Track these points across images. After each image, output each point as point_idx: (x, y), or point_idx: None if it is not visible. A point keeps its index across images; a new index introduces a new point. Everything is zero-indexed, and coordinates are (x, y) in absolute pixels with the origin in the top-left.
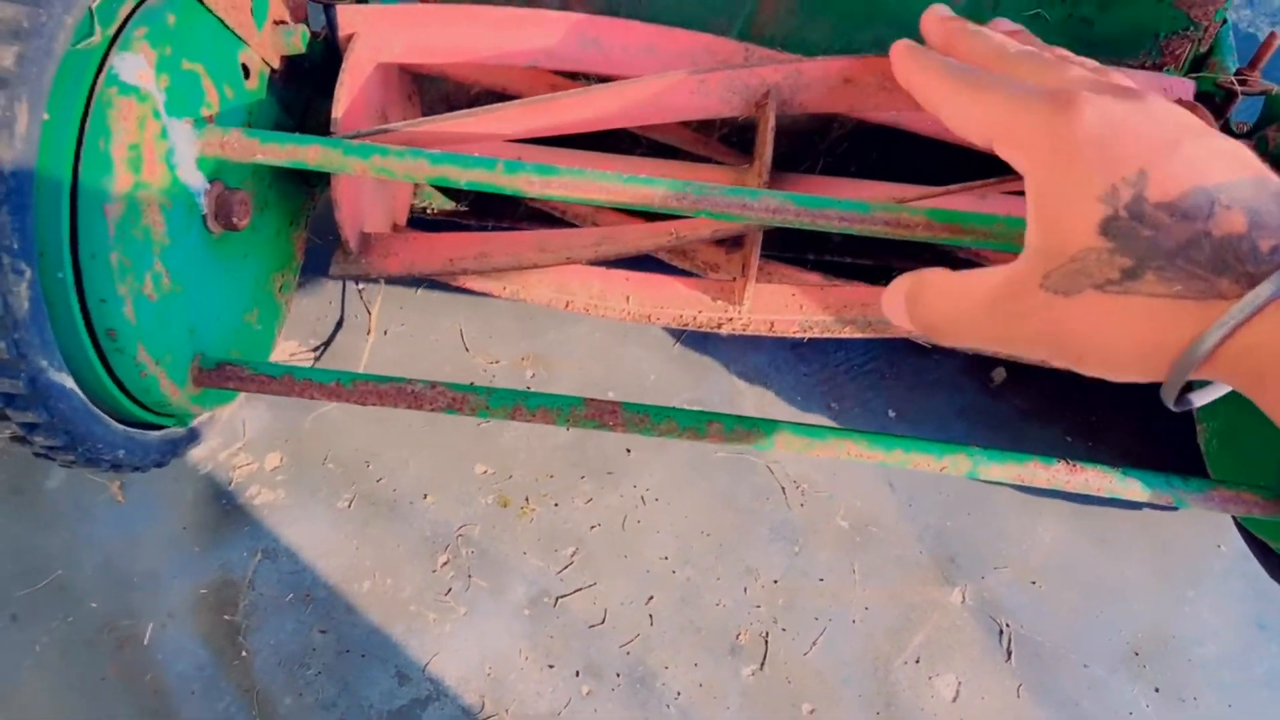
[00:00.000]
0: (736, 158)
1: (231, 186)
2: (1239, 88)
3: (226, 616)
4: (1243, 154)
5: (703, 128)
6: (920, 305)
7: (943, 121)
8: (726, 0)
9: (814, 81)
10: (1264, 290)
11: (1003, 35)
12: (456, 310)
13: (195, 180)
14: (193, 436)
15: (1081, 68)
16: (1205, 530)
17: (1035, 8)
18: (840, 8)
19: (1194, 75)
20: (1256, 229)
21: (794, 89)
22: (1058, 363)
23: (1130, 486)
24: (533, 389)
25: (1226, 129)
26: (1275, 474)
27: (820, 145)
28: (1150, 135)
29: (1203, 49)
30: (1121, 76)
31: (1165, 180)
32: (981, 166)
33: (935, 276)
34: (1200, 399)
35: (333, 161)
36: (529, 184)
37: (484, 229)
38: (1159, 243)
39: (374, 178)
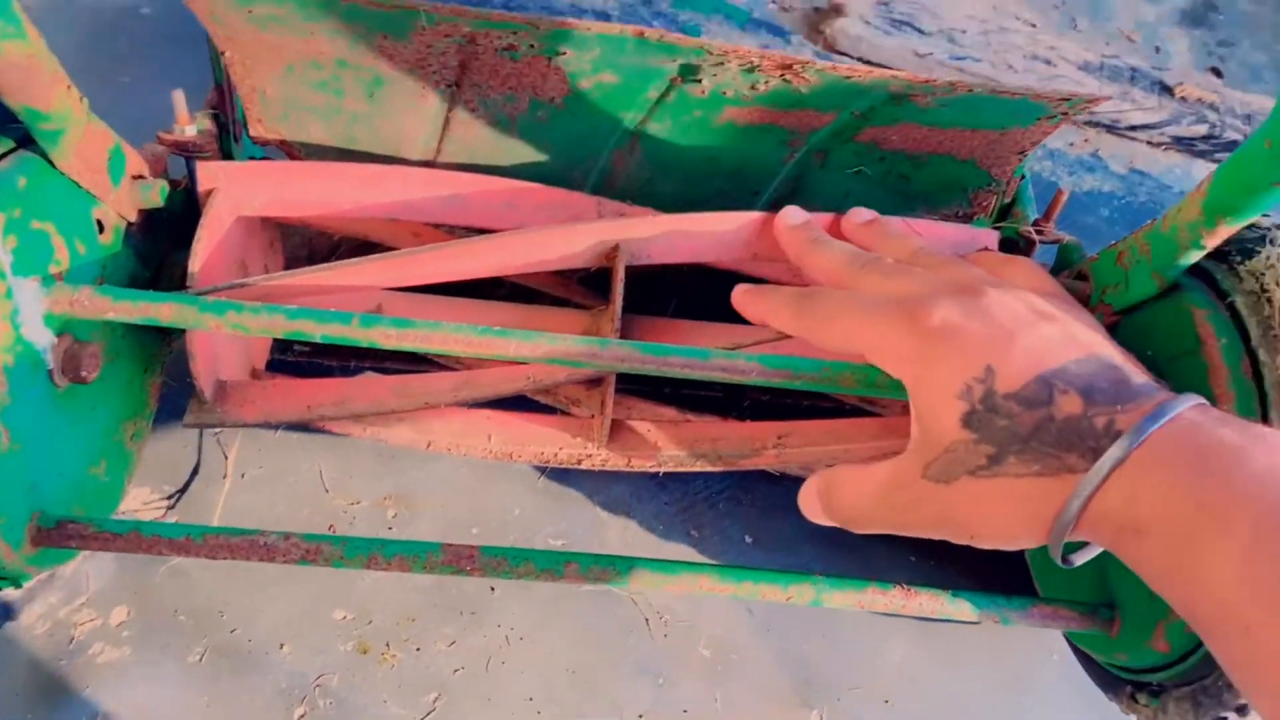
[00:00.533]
0: (594, 299)
1: (81, 339)
2: (1037, 237)
3: None
4: (1073, 331)
5: (563, 271)
6: (831, 501)
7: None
8: (582, 158)
9: (660, 236)
10: (1102, 467)
11: (847, 246)
12: (315, 451)
13: (41, 337)
14: (27, 597)
15: (923, 266)
16: (1039, 642)
17: (858, 166)
18: (685, 166)
19: (999, 225)
20: (1091, 407)
21: (642, 242)
22: (959, 540)
23: (960, 608)
24: (394, 530)
25: None
26: (1089, 588)
27: (674, 282)
28: (990, 332)
29: (1007, 199)
30: (958, 265)
31: (1009, 373)
32: None
33: (840, 473)
34: (1081, 557)
35: (188, 319)
36: (385, 337)
37: (346, 368)
38: (1014, 430)
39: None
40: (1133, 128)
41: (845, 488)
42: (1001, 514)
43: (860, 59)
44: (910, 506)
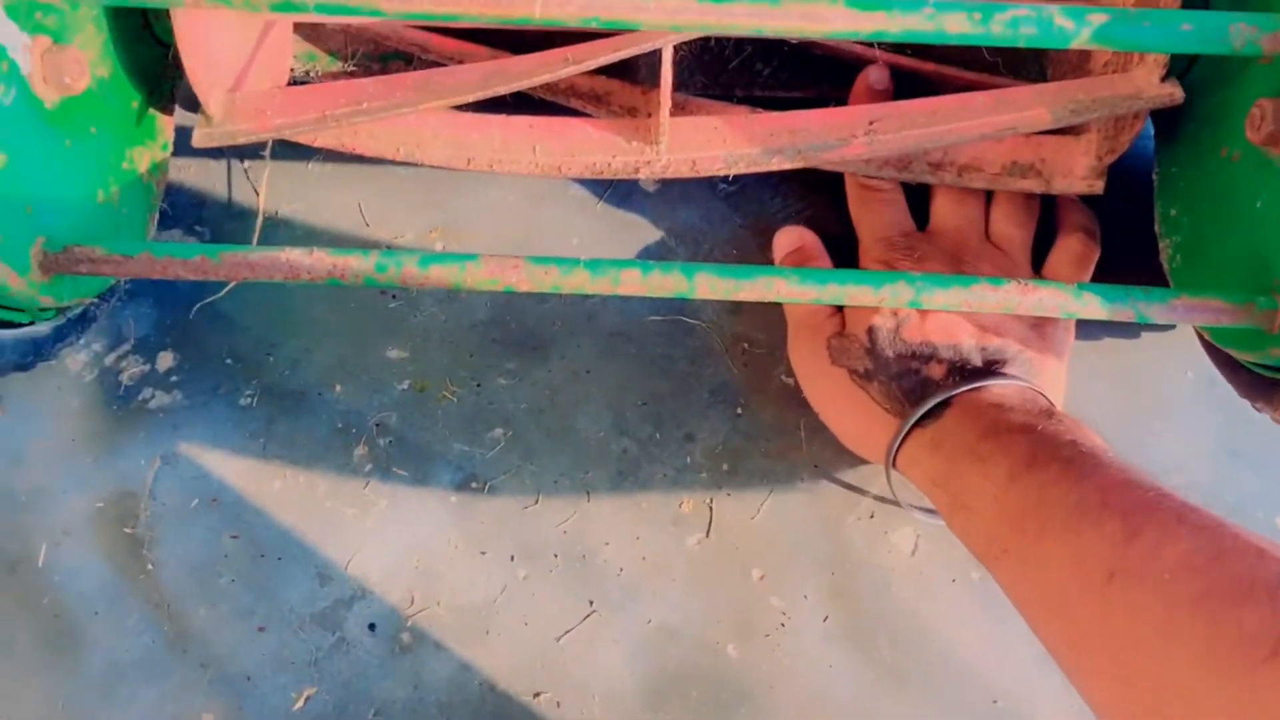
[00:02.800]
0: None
1: (61, 43)
2: None
3: (127, 529)
4: (993, 324)
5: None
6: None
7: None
8: None
9: None
10: (915, 414)
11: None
12: (354, 184)
13: (7, 33)
14: (60, 335)
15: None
16: (1170, 359)
17: None
18: None
19: None
20: (945, 378)
21: None
22: (818, 412)
23: (1087, 304)
24: None
25: None
26: (1241, 282)
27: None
28: None
29: None
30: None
31: (920, 324)
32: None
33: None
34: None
35: None
36: (388, 1)
37: None
38: (889, 364)
39: (227, 25)
40: None
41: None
42: (854, 420)
43: None
44: (807, 352)
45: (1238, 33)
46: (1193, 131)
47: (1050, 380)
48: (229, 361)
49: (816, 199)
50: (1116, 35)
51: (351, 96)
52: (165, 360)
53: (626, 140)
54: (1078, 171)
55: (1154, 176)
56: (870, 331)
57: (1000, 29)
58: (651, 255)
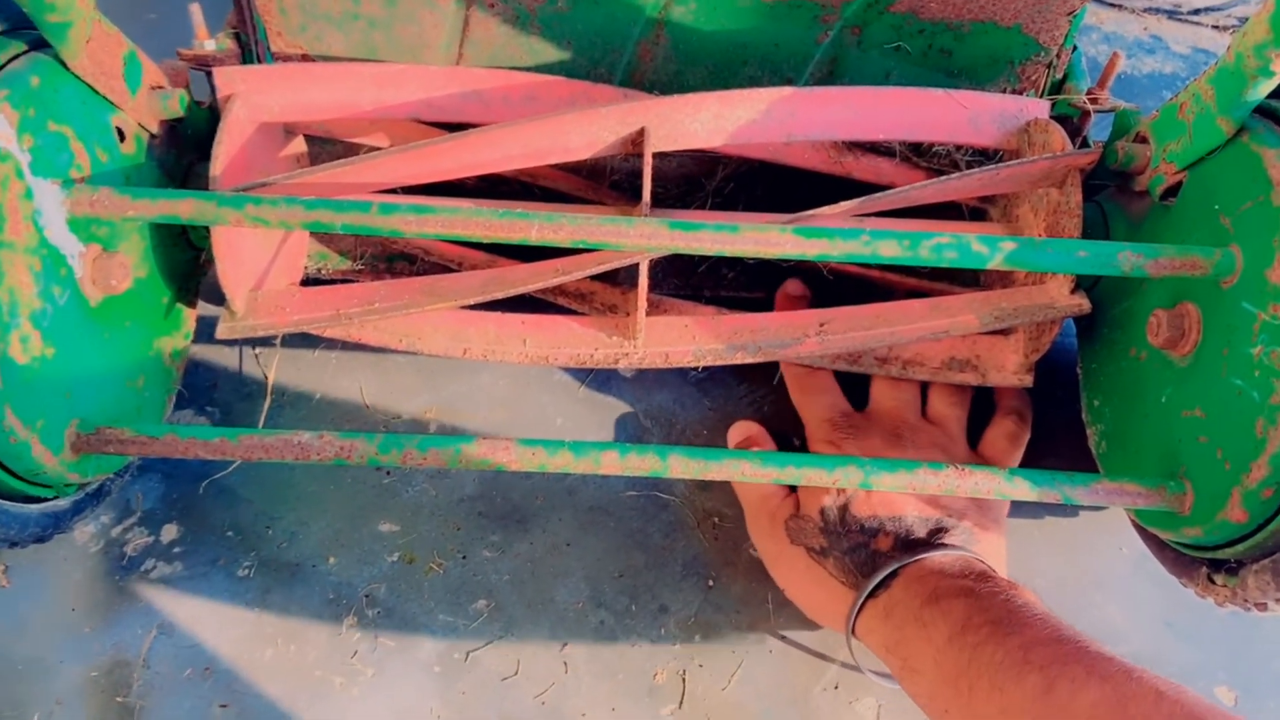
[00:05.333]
0: (628, 202)
1: (110, 250)
2: (1091, 107)
3: (119, 698)
4: (937, 498)
5: (594, 174)
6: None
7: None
8: (606, 51)
9: (688, 116)
10: (860, 597)
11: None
12: (356, 369)
13: (68, 243)
14: (77, 509)
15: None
16: (1107, 535)
17: (896, 42)
18: (714, 53)
19: (1051, 98)
20: (890, 551)
21: (670, 124)
22: (775, 580)
23: (1018, 487)
24: None
25: (1084, 144)
26: (1155, 468)
27: (708, 186)
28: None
29: (1058, 75)
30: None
31: (866, 499)
32: (860, 192)
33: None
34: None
35: (206, 214)
36: (405, 224)
37: None
38: (841, 540)
39: (256, 234)
40: (1195, 11)
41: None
42: (815, 594)
43: None
44: (768, 534)
45: (1126, 259)
46: (1106, 334)
47: (989, 546)
48: (230, 534)
49: (779, 386)
50: (1024, 259)
51: (364, 298)
52: (169, 532)
53: (608, 335)
54: (1009, 367)
55: (1078, 370)
56: (822, 512)
57: (927, 253)
58: (629, 436)
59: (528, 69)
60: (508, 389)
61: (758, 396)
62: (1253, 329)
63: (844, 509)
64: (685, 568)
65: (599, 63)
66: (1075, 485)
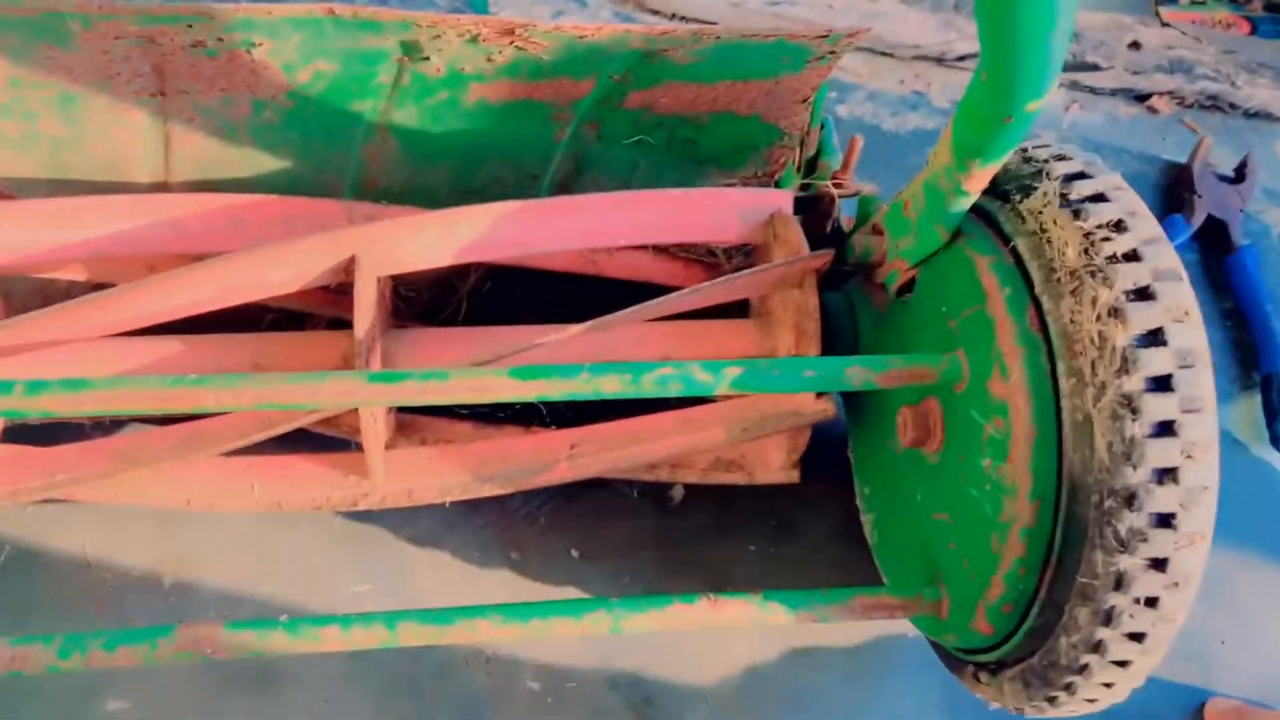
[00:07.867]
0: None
1: None
2: (835, 192)
3: None
4: None
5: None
6: None
7: None
8: (329, 159)
9: (408, 238)
10: None
11: None
12: (77, 522)
13: None
14: None
15: None
16: (891, 625)
17: (636, 136)
18: (448, 154)
19: (804, 181)
20: None
21: (387, 249)
22: None
23: (773, 612)
24: (172, 599)
25: (835, 227)
26: (917, 567)
27: (461, 290)
28: None
29: (810, 152)
30: None
31: None
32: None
33: None
34: None
35: None
36: (55, 403)
37: (101, 425)
38: None
39: None
40: (960, 58)
41: None
42: None
43: (674, 15)
44: None
45: (854, 374)
46: (869, 421)
47: None
48: None
49: (555, 491)
50: (751, 383)
51: (45, 469)
52: None
53: (344, 475)
54: (774, 464)
55: (849, 455)
56: None
57: (651, 386)
58: (393, 567)
59: (248, 179)
60: (254, 528)
61: (534, 507)
62: (981, 440)
63: None
64: (459, 709)
65: (324, 169)
66: (832, 603)
